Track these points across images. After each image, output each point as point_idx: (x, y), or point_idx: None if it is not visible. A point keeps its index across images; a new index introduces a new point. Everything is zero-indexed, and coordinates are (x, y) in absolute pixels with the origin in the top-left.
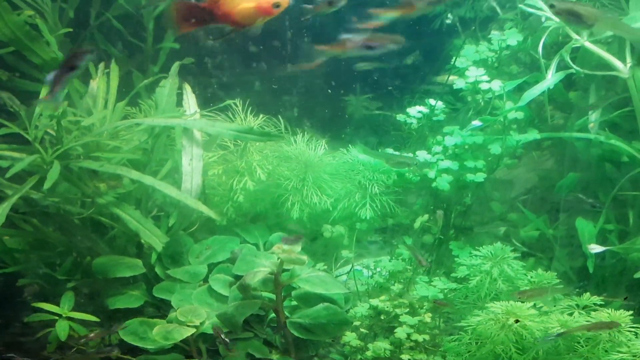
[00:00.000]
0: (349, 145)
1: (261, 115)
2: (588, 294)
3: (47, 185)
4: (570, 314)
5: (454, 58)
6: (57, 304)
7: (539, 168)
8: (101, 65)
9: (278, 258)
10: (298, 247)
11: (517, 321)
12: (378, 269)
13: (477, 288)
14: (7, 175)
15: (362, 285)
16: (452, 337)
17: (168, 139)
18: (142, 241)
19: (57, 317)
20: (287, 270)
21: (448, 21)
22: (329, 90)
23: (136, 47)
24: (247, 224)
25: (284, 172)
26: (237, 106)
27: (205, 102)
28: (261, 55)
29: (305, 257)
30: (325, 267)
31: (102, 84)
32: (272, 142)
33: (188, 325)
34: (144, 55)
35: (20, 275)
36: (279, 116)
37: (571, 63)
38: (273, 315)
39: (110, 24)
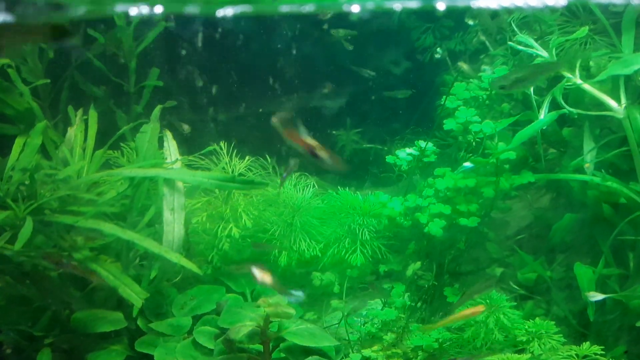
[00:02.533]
0: (338, 186)
1: (247, 157)
2: (588, 343)
3: (18, 245)
4: None
5: (445, 97)
6: None
7: (534, 206)
8: (79, 112)
9: (264, 311)
10: (284, 300)
11: None
12: (370, 318)
13: (473, 338)
14: None
15: (353, 335)
16: None
17: (150, 183)
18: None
19: None
20: (274, 322)
21: (437, 55)
22: (319, 125)
23: (118, 86)
24: (232, 273)
25: (271, 217)
26: (222, 149)
27: (187, 142)
28: (245, 93)
29: (292, 311)
30: (315, 316)
31: (79, 131)
32: (255, 189)
33: None
34: (127, 95)
35: None
36: (267, 155)
37: (564, 103)
38: None
39: (91, 64)
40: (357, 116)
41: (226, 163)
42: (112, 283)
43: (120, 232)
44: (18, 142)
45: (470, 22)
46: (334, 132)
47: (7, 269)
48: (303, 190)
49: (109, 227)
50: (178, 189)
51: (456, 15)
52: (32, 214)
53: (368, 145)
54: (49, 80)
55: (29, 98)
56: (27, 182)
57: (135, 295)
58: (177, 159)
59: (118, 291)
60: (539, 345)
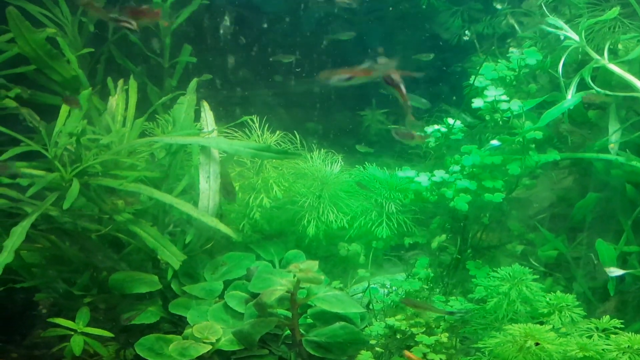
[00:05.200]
0: (365, 162)
1: (277, 132)
2: (608, 316)
3: (66, 204)
4: (590, 337)
5: (474, 77)
6: (72, 319)
7: (557, 187)
8: (120, 82)
9: (294, 276)
10: (315, 266)
11: (537, 344)
12: (394, 288)
13: (495, 309)
14: (28, 194)
15: (377, 304)
16: (468, 357)
17: (185, 154)
18: (159, 257)
19: (72, 332)
20: (304, 288)
21: (466, 38)
22: (345, 105)
23: (153, 62)
24: (262, 241)
25: (300, 189)
26: (254, 122)
27: (219, 117)
28: (277, 70)
29: (322, 277)
30: (341, 285)
31: (121, 101)
32: (288, 159)
33: (204, 342)
34: (161, 70)
35: (36, 290)
36: (295, 131)
37: (592, 84)
38: (288, 332)
39: (127, 38)
40: (382, 96)
41: (258, 136)
42: (151, 245)
43: (161, 196)
44: (64, 108)
45: (499, 6)
46: (360, 112)
47: (51, 229)
48: (331, 165)
49: (150, 191)
50: (214, 158)
51: None
52: (77, 177)
53: (393, 126)
54: (93, 49)
55: (76, 66)
56: (73, 146)
57: (173, 257)
58: (213, 128)
59: (157, 253)
60: (559, 317)
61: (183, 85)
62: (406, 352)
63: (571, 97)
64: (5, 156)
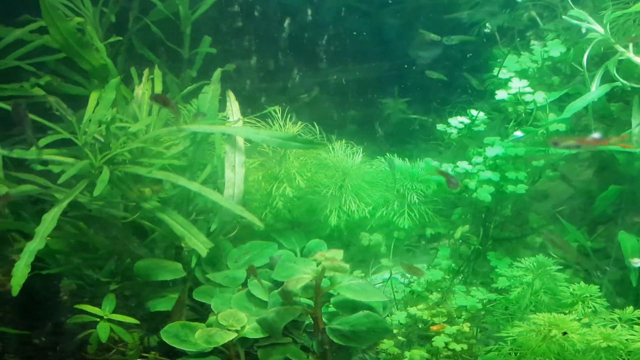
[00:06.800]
0: (387, 153)
1: (299, 123)
2: (631, 307)
3: (97, 191)
4: (613, 327)
5: (498, 68)
6: (95, 306)
7: (576, 180)
8: (145, 71)
9: (318, 264)
10: (340, 255)
11: (564, 333)
12: (415, 278)
13: (518, 299)
14: (60, 180)
15: (398, 293)
16: (490, 347)
17: (207, 144)
18: (183, 245)
19: (97, 319)
20: (326, 277)
21: (486, 30)
22: (364, 97)
23: (172, 52)
24: (284, 230)
25: (322, 179)
26: (276, 113)
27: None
28: (295, 62)
29: (347, 265)
30: (363, 274)
31: (147, 90)
32: (311, 149)
33: (229, 330)
34: (181, 60)
35: (58, 277)
36: (315, 123)
37: (617, 76)
38: (309, 321)
39: (148, 29)
40: (404, 86)
41: (280, 126)
42: (179, 232)
43: (189, 184)
44: (93, 96)
45: None
46: (380, 100)
47: (79, 216)
48: (352, 156)
49: (178, 179)
50: (239, 147)
51: None
52: (106, 164)
53: (413, 116)
54: (121, 38)
55: (104, 54)
56: (102, 134)
57: (201, 245)
58: (239, 117)
59: (184, 239)
60: (582, 308)
61: (203, 76)
62: (432, 327)
63: (595, 89)
64: (41, 143)
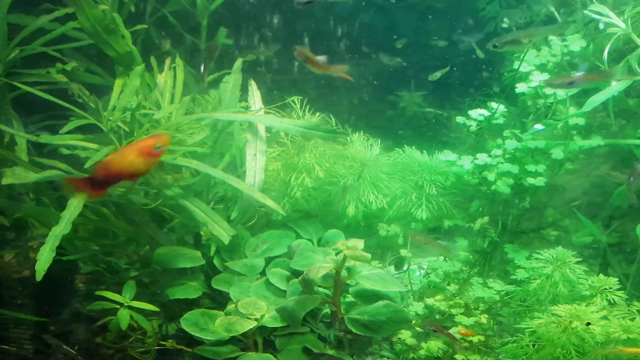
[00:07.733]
0: (404, 145)
1: (317, 114)
2: None
3: None
4: (632, 319)
5: (519, 62)
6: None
7: (593, 174)
8: (167, 60)
9: (337, 254)
10: (361, 244)
11: (588, 324)
12: (433, 270)
13: (537, 291)
14: (86, 165)
15: (415, 284)
16: (509, 338)
17: (226, 134)
18: (201, 233)
19: (117, 306)
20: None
21: (504, 25)
22: (380, 89)
23: (188, 42)
24: (301, 220)
25: (341, 170)
26: (295, 104)
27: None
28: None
29: (369, 255)
30: (380, 265)
31: (169, 79)
32: (331, 140)
33: (249, 318)
34: (198, 51)
35: (75, 264)
36: (330, 114)
37: (639, 70)
38: (326, 310)
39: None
40: (422, 80)
41: (298, 116)
42: (201, 219)
43: (212, 171)
44: (118, 83)
45: None
46: (397, 93)
47: (102, 202)
48: (370, 148)
49: (201, 166)
50: (260, 136)
51: None
52: None
53: (429, 109)
54: (145, 26)
55: (130, 41)
56: (126, 121)
57: (224, 232)
58: (261, 107)
59: (207, 226)
60: (601, 300)
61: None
62: (460, 331)
63: (616, 84)
64: (65, 129)
